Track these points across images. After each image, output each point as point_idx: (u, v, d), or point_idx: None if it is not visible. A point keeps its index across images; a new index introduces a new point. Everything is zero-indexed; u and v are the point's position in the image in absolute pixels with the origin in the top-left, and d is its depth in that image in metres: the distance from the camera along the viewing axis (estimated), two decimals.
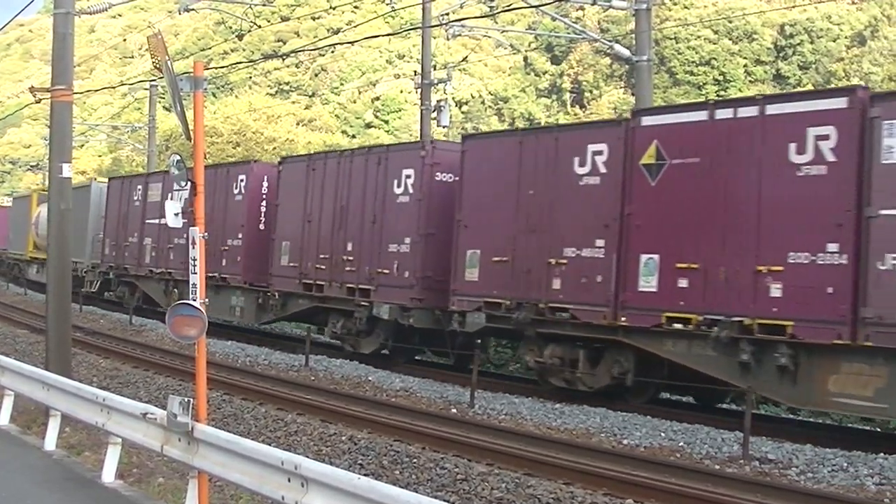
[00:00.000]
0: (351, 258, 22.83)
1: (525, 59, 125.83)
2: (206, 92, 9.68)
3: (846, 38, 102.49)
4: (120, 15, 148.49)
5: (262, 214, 27.10)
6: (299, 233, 24.66)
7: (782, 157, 14.59)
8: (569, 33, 51.55)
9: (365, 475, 9.20)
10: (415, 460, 12.81)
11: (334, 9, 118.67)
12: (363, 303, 22.31)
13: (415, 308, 20.96)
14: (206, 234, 9.30)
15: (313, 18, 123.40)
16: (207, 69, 10.69)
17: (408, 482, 12.05)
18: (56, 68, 17.65)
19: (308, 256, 24.20)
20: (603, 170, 17.24)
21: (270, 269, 25.58)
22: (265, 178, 27.27)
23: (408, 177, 21.54)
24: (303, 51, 65.23)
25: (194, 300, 9.03)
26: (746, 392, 13.96)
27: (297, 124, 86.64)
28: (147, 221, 32.50)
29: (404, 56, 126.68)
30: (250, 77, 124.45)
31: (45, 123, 60.67)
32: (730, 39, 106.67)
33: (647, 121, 16.89)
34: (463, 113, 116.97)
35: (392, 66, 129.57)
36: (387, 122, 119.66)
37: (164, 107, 55.50)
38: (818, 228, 14.14)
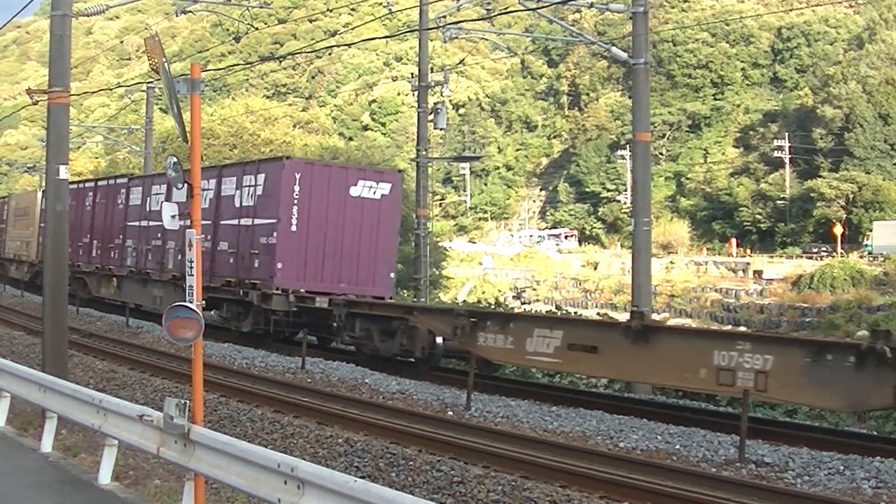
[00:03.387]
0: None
1: (522, 61, 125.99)
2: (202, 94, 9.68)
3: (843, 41, 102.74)
4: (117, 17, 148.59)
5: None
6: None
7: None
8: (566, 36, 51.57)
9: (361, 477, 9.20)
10: (411, 463, 12.81)
11: (331, 11, 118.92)
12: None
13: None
14: (202, 235, 9.30)
15: (310, 21, 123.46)
16: (204, 71, 10.67)
17: (404, 485, 12.05)
18: (53, 70, 17.65)
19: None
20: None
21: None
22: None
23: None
24: (300, 53, 65.23)
25: (191, 302, 9.04)
26: (743, 395, 13.98)
27: (294, 126, 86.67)
28: None
29: (401, 58, 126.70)
30: (247, 79, 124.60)
31: (42, 125, 60.69)
32: (727, 42, 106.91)
33: None
34: (460, 115, 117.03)
35: (389, 69, 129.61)
36: (384, 124, 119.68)
37: (160, 109, 55.58)
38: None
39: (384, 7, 34.08)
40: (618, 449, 14.00)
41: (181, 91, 9.37)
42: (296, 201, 24.55)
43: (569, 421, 15.85)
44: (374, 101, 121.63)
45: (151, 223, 30.67)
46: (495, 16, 30.32)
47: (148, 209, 31.46)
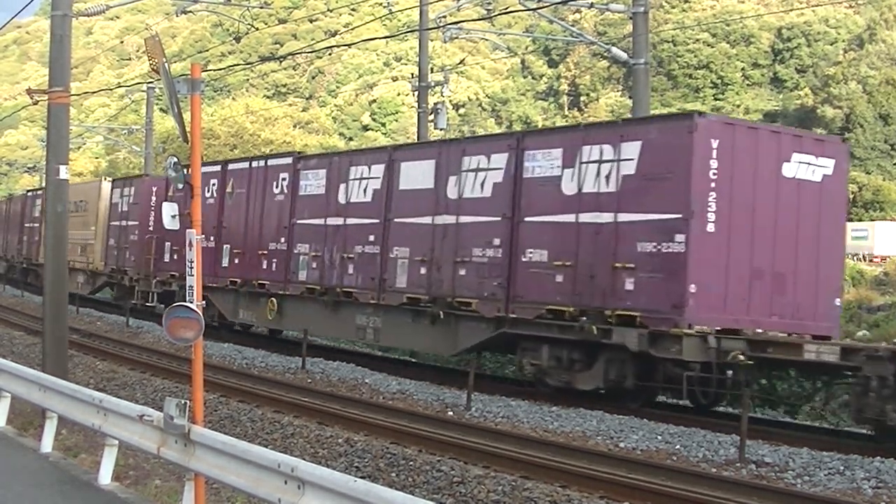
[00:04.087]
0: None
1: (522, 61, 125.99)
2: (203, 94, 9.67)
3: (843, 41, 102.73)
4: (117, 17, 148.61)
5: None
6: None
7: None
8: (566, 36, 51.58)
9: (361, 477, 9.20)
10: (411, 463, 12.81)
11: (332, 11, 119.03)
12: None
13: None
14: (203, 236, 9.30)
15: (311, 21, 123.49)
16: (205, 71, 10.67)
17: (404, 485, 12.05)
18: (53, 70, 17.66)
19: None
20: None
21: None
22: None
23: None
24: (300, 53, 65.18)
25: (191, 302, 9.04)
26: (742, 395, 13.97)
27: (294, 126, 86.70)
28: None
29: (402, 58, 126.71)
30: (247, 79, 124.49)
31: (43, 125, 60.73)
32: (727, 43, 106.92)
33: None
34: (460, 115, 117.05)
35: (389, 69, 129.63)
36: (384, 124, 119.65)
37: (160, 109, 55.59)
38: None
39: (384, 7, 34.10)
40: (618, 449, 14.00)
41: (181, 91, 9.36)
42: (713, 185, 15.97)
43: (569, 421, 15.84)
44: (374, 101, 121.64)
45: (352, 221, 22.46)
46: (495, 16, 30.37)
47: (343, 200, 22.87)
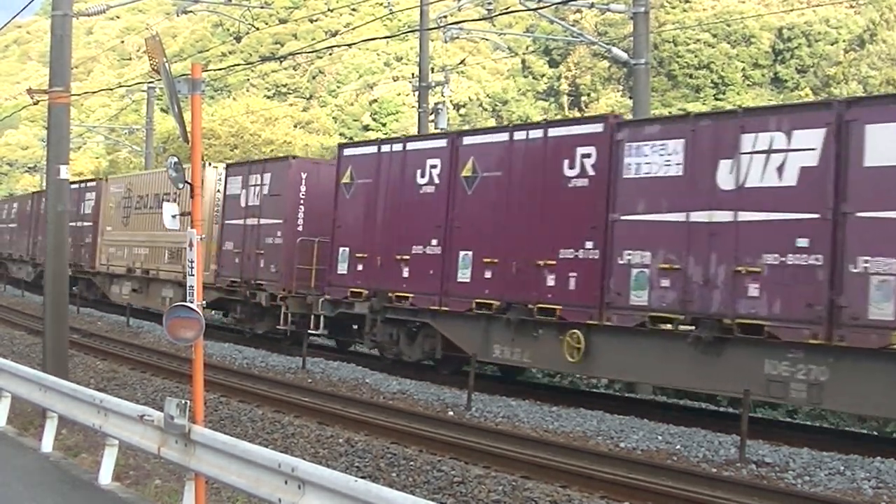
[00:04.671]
0: None
1: (523, 61, 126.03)
2: (203, 94, 9.68)
3: (844, 41, 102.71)
4: (118, 17, 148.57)
5: None
6: None
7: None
8: (567, 36, 51.61)
9: (362, 477, 9.20)
10: (412, 463, 12.81)
11: (332, 11, 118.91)
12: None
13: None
14: (203, 235, 9.30)
15: (311, 21, 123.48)
16: (205, 71, 10.70)
17: (404, 485, 12.05)
18: (53, 70, 17.68)
19: None
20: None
21: None
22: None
23: None
24: (300, 53, 65.18)
25: (191, 302, 9.04)
26: (744, 396, 13.97)
27: (295, 126, 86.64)
28: None
29: (402, 58, 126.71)
30: (248, 79, 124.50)
31: (43, 125, 60.67)
32: (728, 43, 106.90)
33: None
34: (461, 116, 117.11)
35: (390, 69, 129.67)
36: (384, 124, 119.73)
37: (161, 109, 55.63)
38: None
39: (385, 7, 34.09)
40: (618, 449, 14.01)
41: (182, 91, 9.36)
42: None
43: (569, 421, 15.85)
44: (374, 101, 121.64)
45: (749, 216, 14.69)
46: (496, 16, 30.33)
47: (728, 185, 15.02)
